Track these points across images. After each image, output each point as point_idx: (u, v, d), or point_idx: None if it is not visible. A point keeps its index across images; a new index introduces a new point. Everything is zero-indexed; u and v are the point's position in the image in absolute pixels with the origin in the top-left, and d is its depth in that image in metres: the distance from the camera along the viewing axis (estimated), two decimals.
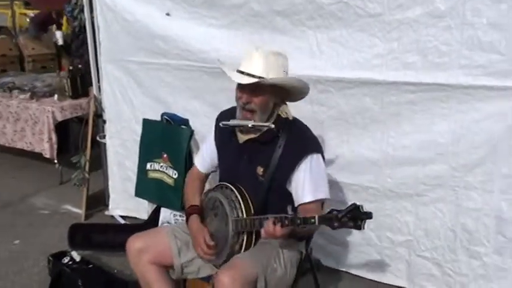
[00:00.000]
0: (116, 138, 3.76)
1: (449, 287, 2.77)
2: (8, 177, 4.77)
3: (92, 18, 3.58)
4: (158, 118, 3.31)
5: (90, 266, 2.97)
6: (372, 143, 2.76)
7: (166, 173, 3.26)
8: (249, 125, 2.11)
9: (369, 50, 2.65)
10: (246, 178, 2.18)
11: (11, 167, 4.99)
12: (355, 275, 3.08)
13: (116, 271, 3.14)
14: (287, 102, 2.23)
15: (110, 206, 3.94)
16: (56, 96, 4.27)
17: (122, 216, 3.89)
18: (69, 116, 4.20)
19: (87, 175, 3.82)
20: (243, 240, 2.10)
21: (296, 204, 2.14)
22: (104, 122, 3.78)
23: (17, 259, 3.32)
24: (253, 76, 2.04)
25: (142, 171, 3.41)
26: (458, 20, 2.39)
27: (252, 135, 2.17)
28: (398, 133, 2.69)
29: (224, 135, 2.29)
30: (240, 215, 2.08)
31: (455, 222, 2.67)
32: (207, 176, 2.50)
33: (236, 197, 2.12)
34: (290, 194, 2.16)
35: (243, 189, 2.15)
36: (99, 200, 4.06)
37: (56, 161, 4.15)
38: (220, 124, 2.22)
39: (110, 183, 3.91)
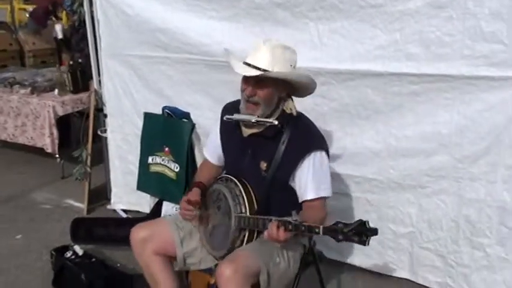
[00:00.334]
0: (117, 132, 3.76)
1: (452, 278, 2.77)
2: (9, 172, 4.78)
3: (92, 12, 3.57)
4: (159, 112, 3.30)
5: (93, 260, 2.98)
6: (374, 135, 2.75)
7: (167, 167, 3.26)
8: (252, 121, 2.10)
9: (370, 41, 2.63)
10: (250, 173, 2.17)
11: (12, 162, 4.99)
12: (358, 267, 3.08)
13: (118, 265, 3.15)
14: (293, 98, 2.22)
15: (112, 200, 3.94)
16: (56, 90, 4.26)
17: (123, 210, 3.89)
18: (70, 111, 4.19)
19: (88, 169, 3.83)
20: (244, 236, 2.10)
21: (300, 201, 2.13)
22: (105, 116, 3.77)
23: (19, 254, 3.32)
24: (258, 69, 2.02)
25: (144, 165, 3.40)
26: (460, 10, 2.37)
27: (256, 130, 2.16)
28: (401, 124, 2.68)
29: (229, 128, 2.29)
30: (244, 211, 2.08)
31: (458, 213, 2.67)
32: (219, 167, 2.45)
33: (240, 191, 2.11)
34: (293, 190, 2.15)
35: (247, 184, 2.14)
36: (101, 194, 4.06)
37: (57, 156, 4.16)
38: (224, 118, 2.21)
39: (112, 177, 3.91)
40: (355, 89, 2.73)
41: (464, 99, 2.51)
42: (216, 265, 2.23)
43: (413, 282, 2.92)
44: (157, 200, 3.39)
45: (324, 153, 2.14)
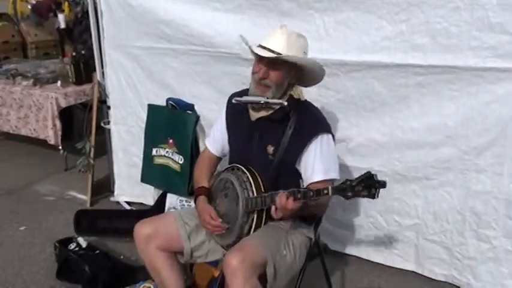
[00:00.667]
0: (121, 124, 3.74)
1: (458, 271, 2.77)
2: (12, 164, 4.77)
3: (95, 2, 3.54)
4: (163, 103, 3.29)
5: (97, 252, 2.98)
6: (380, 126, 2.74)
7: (172, 159, 3.25)
8: (262, 102, 2.11)
9: (376, 32, 2.61)
10: (257, 157, 2.18)
11: (15, 154, 4.99)
12: (364, 259, 3.08)
13: (122, 257, 3.15)
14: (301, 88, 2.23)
15: (116, 192, 3.93)
16: (59, 82, 4.23)
17: (127, 202, 3.88)
18: (73, 103, 4.17)
19: (92, 161, 3.82)
20: (252, 220, 2.08)
21: (306, 184, 2.13)
22: (108, 108, 3.76)
23: (23, 246, 3.32)
24: (273, 52, 2.05)
25: (148, 157, 3.39)
26: (468, 1, 2.35)
27: (264, 113, 2.17)
28: (407, 116, 2.67)
29: (236, 114, 2.30)
30: (251, 194, 2.07)
31: (464, 205, 2.66)
32: (218, 159, 2.47)
33: (248, 178, 2.11)
34: (300, 174, 2.15)
35: (254, 171, 2.14)
36: (104, 186, 4.06)
37: (60, 148, 4.13)
38: (233, 100, 2.22)
39: (115, 169, 3.90)
40: (361, 81, 2.72)
41: (470, 90, 2.49)
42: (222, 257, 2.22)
43: (419, 274, 2.92)
44: (161, 192, 3.38)
45: (330, 137, 2.17)
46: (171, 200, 3.27)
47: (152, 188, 3.48)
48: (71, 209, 3.59)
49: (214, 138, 2.45)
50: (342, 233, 3.11)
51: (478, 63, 2.41)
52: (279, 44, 2.06)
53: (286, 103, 2.11)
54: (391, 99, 2.68)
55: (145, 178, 3.46)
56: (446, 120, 2.58)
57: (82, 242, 3.01)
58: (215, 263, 2.36)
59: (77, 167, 3.91)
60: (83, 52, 4.32)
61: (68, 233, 3.21)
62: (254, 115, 2.21)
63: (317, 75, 2.20)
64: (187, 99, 3.25)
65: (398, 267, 2.98)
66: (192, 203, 3.15)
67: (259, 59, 2.10)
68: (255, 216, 2.08)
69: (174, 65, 3.32)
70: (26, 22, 5.94)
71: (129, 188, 3.85)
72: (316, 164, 2.09)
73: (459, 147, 2.59)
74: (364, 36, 2.64)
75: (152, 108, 3.36)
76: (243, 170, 2.15)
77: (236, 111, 2.28)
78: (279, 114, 2.14)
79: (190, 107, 3.20)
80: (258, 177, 2.12)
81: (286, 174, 2.13)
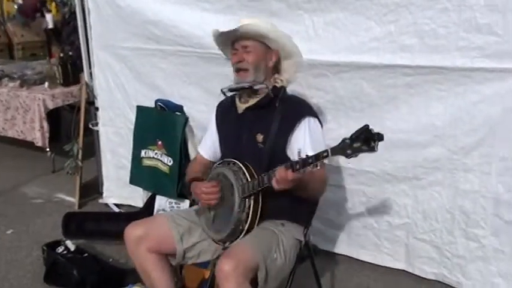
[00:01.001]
0: (109, 125, 3.72)
1: (448, 269, 2.78)
2: None
3: (82, 3, 3.52)
4: (152, 105, 3.27)
5: (85, 255, 2.96)
6: None
7: (161, 161, 3.23)
8: (246, 86, 2.18)
9: (365, 33, 2.62)
10: (247, 147, 2.20)
11: (2, 156, 4.95)
12: (354, 259, 3.09)
13: (111, 260, 3.12)
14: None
15: (104, 194, 3.91)
16: (46, 84, 4.20)
17: (116, 205, 3.86)
18: (61, 104, 4.14)
19: (80, 163, 3.79)
20: (249, 207, 2.07)
21: None
22: (96, 109, 3.74)
23: (10, 249, 3.28)
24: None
25: (136, 158, 3.38)
26: (456, 2, 2.37)
27: (250, 102, 2.22)
28: (395, 116, 2.68)
29: (225, 113, 2.38)
30: (245, 181, 2.07)
31: (453, 204, 2.68)
32: (210, 163, 2.46)
33: (240, 167, 2.11)
34: None
35: (245, 162, 2.14)
36: (92, 188, 4.03)
37: (48, 150, 4.11)
38: (220, 91, 2.26)
39: (104, 171, 3.88)
40: (349, 81, 2.72)
41: (458, 91, 2.50)
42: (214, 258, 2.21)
43: (410, 273, 2.93)
44: (150, 194, 3.36)
45: (317, 120, 2.20)
46: (160, 202, 3.26)
47: (141, 189, 3.46)
48: (59, 211, 3.56)
49: (206, 143, 2.47)
50: (332, 232, 3.11)
51: (465, 63, 2.42)
52: (242, 23, 2.19)
53: (268, 85, 2.19)
54: (379, 100, 2.69)
55: (134, 180, 3.44)
56: (435, 120, 2.59)
57: (70, 245, 2.98)
58: (205, 265, 2.35)
59: (64, 169, 3.88)
60: (70, 53, 4.29)
61: (56, 236, 3.18)
62: (241, 106, 2.25)
63: (290, 50, 2.24)
64: (176, 101, 3.24)
65: (388, 266, 2.99)
66: (181, 205, 3.15)
67: (234, 48, 2.23)
68: (252, 202, 2.07)
69: (162, 66, 3.31)
70: (13, 22, 5.88)
71: (118, 190, 3.82)
72: (307, 145, 2.08)
73: (447, 147, 2.60)
74: (352, 37, 2.65)
75: (141, 110, 3.34)
76: (233, 162, 2.16)
77: (225, 110, 2.34)
78: (265, 99, 2.19)
79: (179, 108, 3.19)
80: (249, 166, 2.12)
81: (278, 162, 2.08)
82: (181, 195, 3.13)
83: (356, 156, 1.69)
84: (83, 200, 3.91)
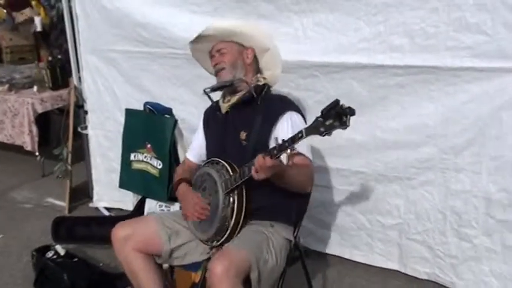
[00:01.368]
0: (98, 129, 3.70)
1: (440, 269, 2.78)
2: None
3: (70, 6, 3.50)
4: (142, 108, 3.24)
5: (75, 259, 2.93)
6: (360, 127, 2.72)
7: (150, 164, 3.21)
8: (227, 83, 2.23)
9: (354, 33, 2.62)
10: (231, 146, 2.22)
11: None
12: (347, 259, 3.08)
13: (101, 264, 3.10)
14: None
15: (94, 198, 3.88)
16: (35, 87, 4.17)
17: (106, 208, 3.84)
18: (50, 108, 4.12)
19: (69, 167, 3.77)
20: (233, 202, 2.06)
21: None
22: (86, 112, 3.71)
23: (0, 254, 3.24)
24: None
25: (126, 162, 3.35)
26: (445, 1, 2.36)
27: (232, 100, 2.25)
28: (386, 117, 2.68)
29: (211, 117, 2.39)
30: (228, 176, 2.08)
31: (444, 204, 2.67)
32: (198, 166, 2.47)
33: (223, 165, 2.13)
34: None
35: (228, 160, 2.15)
36: (82, 192, 4.02)
37: (37, 154, 4.07)
38: (203, 91, 2.26)
39: (94, 175, 3.85)
40: (340, 82, 2.72)
41: (448, 90, 2.50)
42: (203, 260, 2.20)
43: (402, 273, 2.93)
44: (140, 197, 3.34)
45: (300, 115, 2.21)
46: (150, 205, 3.23)
47: (131, 193, 3.43)
48: (49, 216, 3.52)
49: (193, 147, 2.50)
50: (324, 233, 3.10)
51: (455, 63, 2.42)
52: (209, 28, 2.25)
53: (251, 83, 2.22)
54: (370, 100, 2.68)
55: (123, 184, 3.41)
56: (425, 120, 2.59)
57: (60, 249, 2.95)
58: (195, 268, 2.33)
59: (54, 173, 3.85)
60: (59, 56, 4.27)
61: (45, 241, 3.16)
62: (224, 106, 2.28)
63: (264, 42, 2.27)
64: (166, 103, 3.22)
65: (381, 266, 2.99)
66: (172, 208, 3.13)
67: (210, 55, 2.31)
68: (236, 197, 2.06)
69: (152, 69, 3.29)
70: (1, 26, 5.83)
71: (108, 194, 3.80)
72: (288, 135, 2.05)
73: (438, 146, 2.60)
74: (342, 37, 2.65)
75: (129, 113, 3.31)
76: (217, 161, 2.18)
77: (211, 114, 2.38)
78: (247, 96, 2.22)
79: (168, 111, 3.17)
80: (232, 163, 2.12)
81: None
82: (171, 198, 3.10)
83: (330, 134, 1.67)
84: (73, 204, 3.88)
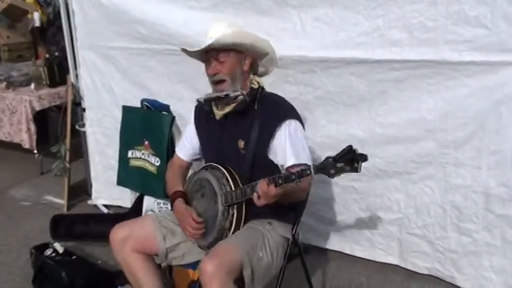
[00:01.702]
0: (96, 126, 3.69)
1: (440, 264, 2.78)
2: None
3: (67, 3, 3.47)
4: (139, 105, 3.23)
5: (74, 257, 2.92)
6: (359, 122, 2.73)
7: (148, 161, 3.20)
8: (222, 96, 2.11)
9: (353, 28, 2.60)
10: (230, 154, 2.17)
11: None
12: (347, 254, 3.08)
13: (99, 262, 3.08)
14: (265, 76, 2.29)
15: (93, 196, 3.87)
16: (32, 85, 4.17)
17: (105, 205, 3.83)
18: (48, 105, 4.11)
19: (67, 165, 3.75)
20: (233, 215, 2.05)
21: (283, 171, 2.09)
22: (83, 110, 3.69)
23: None
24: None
25: (123, 159, 3.34)
26: None
27: (228, 109, 2.15)
28: (385, 111, 2.66)
29: (203, 117, 2.31)
30: (229, 189, 2.05)
31: (444, 199, 2.67)
32: (189, 163, 2.45)
33: (223, 173, 2.09)
34: (275, 166, 2.12)
35: (229, 167, 2.12)
36: (81, 189, 4.00)
37: (35, 151, 4.07)
38: (196, 100, 2.21)
39: (92, 172, 3.84)
40: (339, 77, 2.70)
41: (448, 84, 2.49)
42: (200, 260, 2.18)
43: (403, 268, 2.93)
44: (138, 194, 3.33)
45: (298, 123, 2.14)
46: (148, 202, 3.22)
47: (129, 190, 3.42)
48: (48, 214, 3.51)
49: (184, 144, 2.44)
50: (324, 228, 3.10)
51: (454, 57, 2.41)
52: (210, 37, 2.09)
53: (244, 92, 2.11)
54: (369, 95, 2.67)
55: (121, 181, 3.40)
56: (425, 115, 2.57)
57: (59, 247, 2.94)
58: (194, 266, 2.32)
59: (52, 170, 3.84)
60: (56, 54, 4.26)
61: (44, 239, 3.15)
62: (219, 113, 2.18)
63: (262, 50, 2.19)
64: (164, 100, 3.20)
65: (381, 261, 2.98)
66: (170, 205, 3.11)
67: (206, 60, 2.15)
68: (235, 211, 2.05)
69: (150, 65, 3.27)
70: None
71: (107, 191, 3.79)
72: (288, 149, 2.06)
73: (438, 141, 2.59)
74: (341, 32, 2.63)
75: (127, 110, 3.30)
76: (217, 168, 2.14)
77: (203, 114, 2.29)
78: (242, 106, 2.13)
79: (166, 107, 3.15)
80: (233, 172, 2.10)
81: (261, 167, 2.09)
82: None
83: (339, 175, 1.68)
84: (71, 201, 3.87)
